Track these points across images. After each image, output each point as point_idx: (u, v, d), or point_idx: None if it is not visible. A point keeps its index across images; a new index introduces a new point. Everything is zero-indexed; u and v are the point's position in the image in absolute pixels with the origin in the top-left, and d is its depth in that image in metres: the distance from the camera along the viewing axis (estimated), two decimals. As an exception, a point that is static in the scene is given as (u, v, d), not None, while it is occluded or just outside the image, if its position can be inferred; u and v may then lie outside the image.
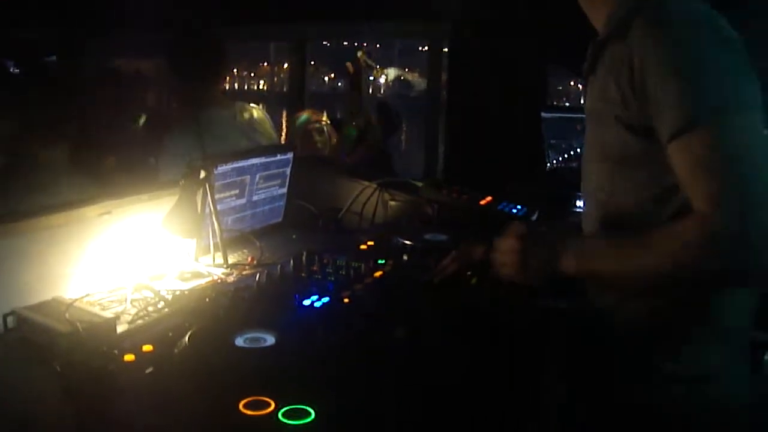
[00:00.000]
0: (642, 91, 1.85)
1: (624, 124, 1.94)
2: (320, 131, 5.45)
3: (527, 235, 2.11)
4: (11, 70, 4.96)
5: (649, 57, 1.84)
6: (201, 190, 2.73)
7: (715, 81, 1.78)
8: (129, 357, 1.81)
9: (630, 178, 2.00)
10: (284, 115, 7.63)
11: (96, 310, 2.15)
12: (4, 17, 5.86)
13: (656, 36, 1.86)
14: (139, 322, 2.11)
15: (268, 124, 4.32)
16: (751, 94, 1.79)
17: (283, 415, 1.56)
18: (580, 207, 4.64)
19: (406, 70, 22.47)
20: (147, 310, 2.20)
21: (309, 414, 1.56)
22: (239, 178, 3.04)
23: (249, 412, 1.57)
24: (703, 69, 1.80)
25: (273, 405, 1.58)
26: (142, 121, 4.97)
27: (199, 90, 4.07)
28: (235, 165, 2.99)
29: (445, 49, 6.43)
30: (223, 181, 2.93)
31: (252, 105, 4.39)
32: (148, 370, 1.77)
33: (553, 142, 5.24)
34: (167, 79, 4.52)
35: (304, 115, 5.60)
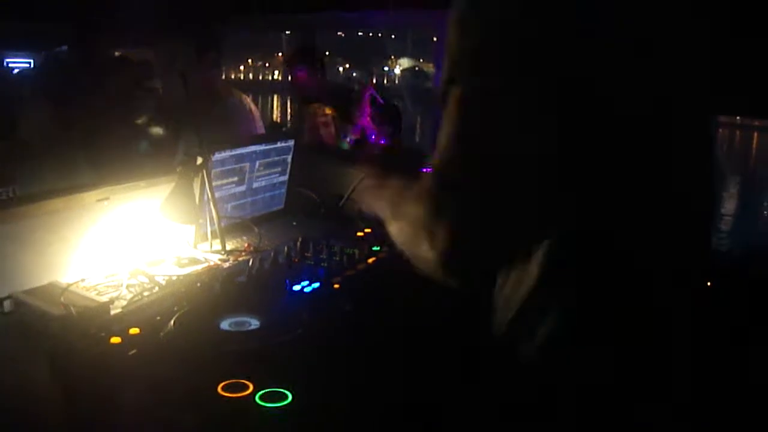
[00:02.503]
0: None
1: None
2: (326, 124, 5.48)
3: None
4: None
5: None
6: (199, 177, 2.75)
7: None
8: (115, 339, 1.84)
9: None
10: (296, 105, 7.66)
11: (92, 294, 2.18)
12: (13, 8, 5.90)
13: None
14: (132, 306, 2.13)
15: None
16: None
17: (260, 397, 1.58)
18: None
19: (420, 60, 22.46)
20: (142, 295, 2.22)
21: (285, 397, 1.58)
22: (238, 165, 3.06)
23: (227, 394, 1.59)
24: None
25: (251, 387, 1.61)
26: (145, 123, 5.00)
27: (216, 79, 4.17)
28: (234, 152, 3.01)
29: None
30: (221, 168, 2.95)
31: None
32: (132, 352, 1.80)
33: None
34: (187, 67, 4.54)
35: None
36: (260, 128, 4.80)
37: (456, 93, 1.52)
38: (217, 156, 2.89)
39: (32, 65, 7.42)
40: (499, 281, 1.71)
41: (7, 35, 6.76)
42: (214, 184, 2.82)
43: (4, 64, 7.32)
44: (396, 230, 1.74)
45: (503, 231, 1.51)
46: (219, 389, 1.60)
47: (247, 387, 1.61)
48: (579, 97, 1.48)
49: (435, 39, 7.07)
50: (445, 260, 1.50)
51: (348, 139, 5.44)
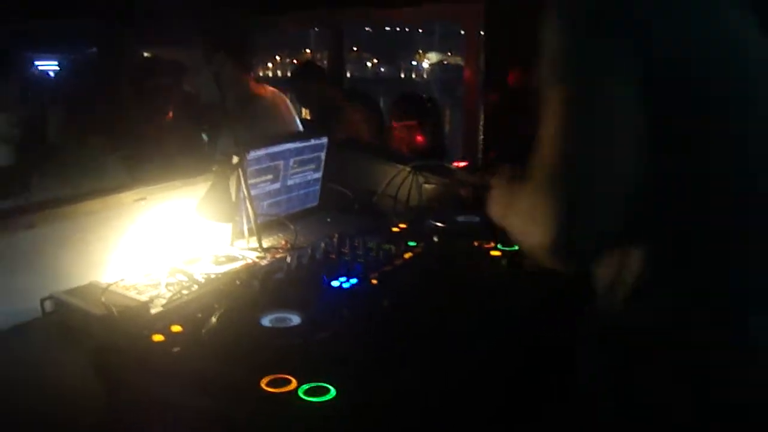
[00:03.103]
0: None
1: None
2: (362, 122, 5.57)
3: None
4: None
5: None
6: (234, 176, 2.77)
7: None
8: (158, 337, 1.86)
9: None
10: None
11: (131, 294, 2.21)
12: (44, 10, 5.94)
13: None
14: (172, 305, 2.15)
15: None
16: None
17: (304, 392, 1.59)
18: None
19: (449, 54, 22.43)
20: (181, 294, 2.24)
21: (329, 391, 1.60)
22: (273, 163, 3.08)
23: (271, 389, 1.60)
24: None
25: (294, 382, 1.62)
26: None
27: (246, 79, 4.23)
28: (268, 150, 3.03)
29: (481, 33, 6.43)
30: (257, 166, 2.97)
31: None
32: (176, 350, 1.81)
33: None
34: (221, 66, 4.58)
35: None
36: (294, 125, 4.80)
37: (558, 92, 1.67)
38: (253, 154, 2.91)
39: (59, 67, 7.47)
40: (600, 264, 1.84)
41: (38, 36, 6.78)
42: (249, 182, 2.84)
43: (33, 65, 7.34)
44: (510, 224, 1.86)
45: (608, 217, 1.61)
46: (263, 384, 1.61)
47: (290, 382, 1.62)
48: (677, 80, 1.66)
49: (462, 32, 7.07)
50: (556, 248, 1.60)
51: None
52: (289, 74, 8.51)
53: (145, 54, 6.54)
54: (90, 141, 3.68)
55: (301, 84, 6.38)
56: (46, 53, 7.40)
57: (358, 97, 6.50)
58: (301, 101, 6.51)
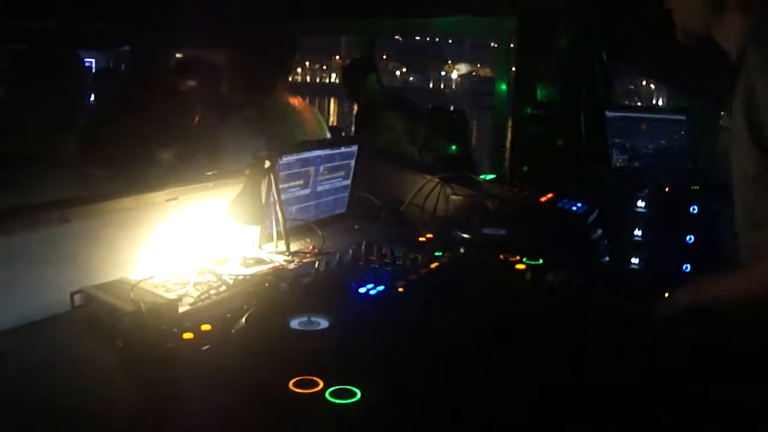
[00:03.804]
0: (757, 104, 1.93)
1: (753, 143, 2.00)
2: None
3: None
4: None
5: (755, 69, 1.90)
6: (266, 180, 2.80)
7: None
8: (188, 335, 1.89)
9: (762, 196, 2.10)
10: (355, 108, 7.72)
11: (160, 291, 2.22)
12: (72, 8, 5.98)
13: (758, 50, 1.92)
14: (200, 304, 2.17)
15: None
16: None
17: (330, 394, 1.62)
18: (641, 207, 4.67)
19: (478, 65, 22.46)
20: (208, 293, 2.26)
21: (354, 394, 1.62)
22: (304, 168, 3.11)
23: (298, 390, 1.63)
24: None
25: (321, 384, 1.65)
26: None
27: (266, 80, 4.22)
28: (300, 156, 3.06)
29: (512, 45, 6.45)
30: (288, 171, 3.00)
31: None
32: (205, 348, 1.84)
33: (617, 141, 5.24)
34: (235, 66, 4.62)
35: None
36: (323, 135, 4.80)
37: None
38: (285, 159, 2.93)
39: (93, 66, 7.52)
40: None
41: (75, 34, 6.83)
42: (280, 186, 2.87)
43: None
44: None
45: None
46: (290, 385, 1.64)
47: (318, 384, 1.65)
48: None
49: (493, 44, 7.10)
50: None
51: None
52: (318, 80, 8.57)
53: (178, 55, 6.59)
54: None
55: (353, 79, 6.44)
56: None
57: (401, 105, 6.55)
58: (351, 96, 6.58)
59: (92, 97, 5.26)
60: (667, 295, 2.42)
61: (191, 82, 4.49)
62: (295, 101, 4.57)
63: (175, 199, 2.70)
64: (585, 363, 2.32)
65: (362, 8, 6.82)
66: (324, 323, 1.97)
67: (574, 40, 5.81)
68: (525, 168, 5.70)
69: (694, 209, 4.72)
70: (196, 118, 4.53)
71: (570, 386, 2.26)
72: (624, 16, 5.29)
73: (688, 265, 4.68)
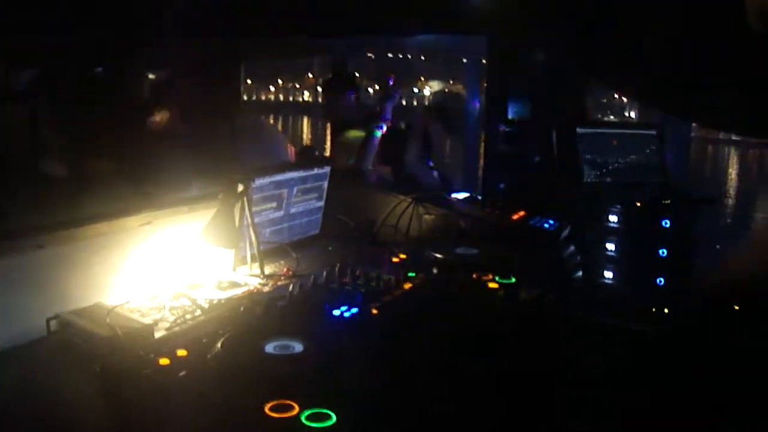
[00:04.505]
0: None
1: None
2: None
3: None
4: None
5: None
6: (239, 203, 2.82)
7: None
8: (164, 361, 1.90)
9: None
10: (328, 126, 7.72)
11: (136, 316, 2.24)
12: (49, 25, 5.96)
13: None
14: (176, 329, 2.19)
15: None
16: None
17: (306, 418, 1.64)
18: (613, 222, 4.71)
19: (450, 82, 22.51)
20: (184, 318, 2.28)
21: (330, 417, 1.64)
22: (277, 191, 3.13)
23: (274, 415, 1.65)
24: None
25: (297, 408, 1.67)
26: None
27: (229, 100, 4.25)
28: (273, 179, 3.08)
29: (484, 61, 6.49)
30: (261, 194, 3.02)
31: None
32: (182, 374, 1.86)
33: (588, 157, 5.28)
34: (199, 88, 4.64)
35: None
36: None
37: None
38: (258, 182, 2.95)
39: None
40: None
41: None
42: (253, 209, 2.89)
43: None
44: None
45: None
46: (266, 410, 1.66)
47: (293, 408, 1.67)
48: None
49: (465, 60, 7.13)
50: None
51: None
52: (291, 99, 8.56)
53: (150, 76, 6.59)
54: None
55: (332, 96, 6.39)
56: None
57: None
58: (328, 115, 6.53)
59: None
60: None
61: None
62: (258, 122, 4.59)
63: (149, 223, 2.71)
64: (559, 380, 2.34)
65: (333, 27, 6.84)
66: (299, 347, 1.99)
67: (545, 57, 5.85)
68: (501, 185, 5.73)
69: (666, 223, 4.75)
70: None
71: (545, 404, 2.27)
72: (595, 32, 5.33)
73: (662, 279, 4.71)
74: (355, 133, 5.54)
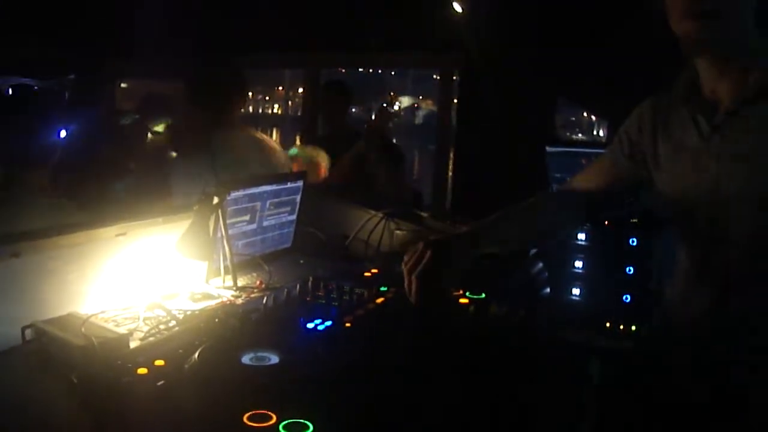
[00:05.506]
0: None
1: None
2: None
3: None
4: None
5: None
6: (214, 215, 2.84)
7: None
8: (142, 370, 1.92)
9: None
10: (298, 140, 7.76)
11: (110, 326, 2.24)
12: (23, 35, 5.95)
13: None
14: (151, 339, 2.21)
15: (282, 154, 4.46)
16: None
17: (284, 427, 1.67)
18: (581, 239, 4.76)
19: (420, 98, 22.58)
20: (158, 328, 2.29)
21: (307, 427, 1.67)
22: (251, 204, 3.15)
23: (252, 424, 1.67)
24: None
25: (274, 418, 1.69)
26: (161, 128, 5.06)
27: (213, 115, 4.22)
28: (247, 191, 3.11)
29: (455, 78, 6.54)
30: (235, 207, 3.05)
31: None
32: (160, 383, 1.88)
33: (557, 175, 5.32)
34: (183, 103, 4.64)
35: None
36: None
37: None
38: (232, 195, 2.98)
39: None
40: None
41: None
42: (227, 221, 2.91)
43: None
44: None
45: None
46: (244, 419, 1.68)
47: (271, 418, 1.69)
48: None
49: (436, 77, 7.18)
50: None
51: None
52: (260, 110, 8.57)
53: (123, 85, 6.59)
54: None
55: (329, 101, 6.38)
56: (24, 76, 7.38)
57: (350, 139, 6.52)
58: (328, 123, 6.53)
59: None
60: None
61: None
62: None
63: (125, 234, 2.73)
64: (531, 396, 2.37)
65: (305, 43, 6.88)
66: (274, 358, 2.01)
67: (516, 75, 5.90)
68: (466, 201, 5.77)
69: (633, 241, 4.80)
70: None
71: (517, 420, 2.31)
72: (566, 51, 5.39)
73: (628, 296, 4.76)
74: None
